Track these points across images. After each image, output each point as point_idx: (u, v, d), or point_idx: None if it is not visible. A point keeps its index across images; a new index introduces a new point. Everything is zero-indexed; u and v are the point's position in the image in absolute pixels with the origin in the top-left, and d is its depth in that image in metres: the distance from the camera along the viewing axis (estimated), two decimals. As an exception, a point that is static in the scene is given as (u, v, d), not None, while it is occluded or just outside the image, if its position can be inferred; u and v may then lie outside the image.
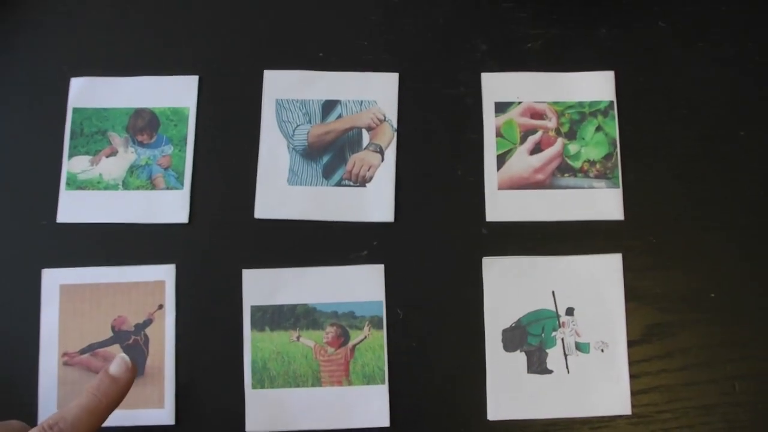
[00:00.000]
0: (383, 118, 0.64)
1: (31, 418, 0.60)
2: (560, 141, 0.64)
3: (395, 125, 0.64)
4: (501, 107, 0.64)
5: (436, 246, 0.62)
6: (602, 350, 0.61)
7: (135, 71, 0.66)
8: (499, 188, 0.63)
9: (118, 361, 0.50)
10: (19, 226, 0.63)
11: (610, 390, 0.60)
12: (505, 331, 0.61)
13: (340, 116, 0.64)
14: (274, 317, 0.61)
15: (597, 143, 0.63)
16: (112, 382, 0.49)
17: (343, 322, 0.61)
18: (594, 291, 0.61)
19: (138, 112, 0.65)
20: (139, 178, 0.64)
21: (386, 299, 0.61)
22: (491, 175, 0.63)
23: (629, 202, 0.63)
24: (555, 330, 0.61)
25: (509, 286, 0.61)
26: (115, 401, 0.49)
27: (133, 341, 0.61)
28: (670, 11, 0.66)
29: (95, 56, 0.66)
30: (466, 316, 0.61)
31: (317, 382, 0.60)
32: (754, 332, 0.61)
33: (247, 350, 0.61)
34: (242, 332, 0.61)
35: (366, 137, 0.64)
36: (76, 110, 0.65)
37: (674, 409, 0.60)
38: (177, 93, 0.65)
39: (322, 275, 0.62)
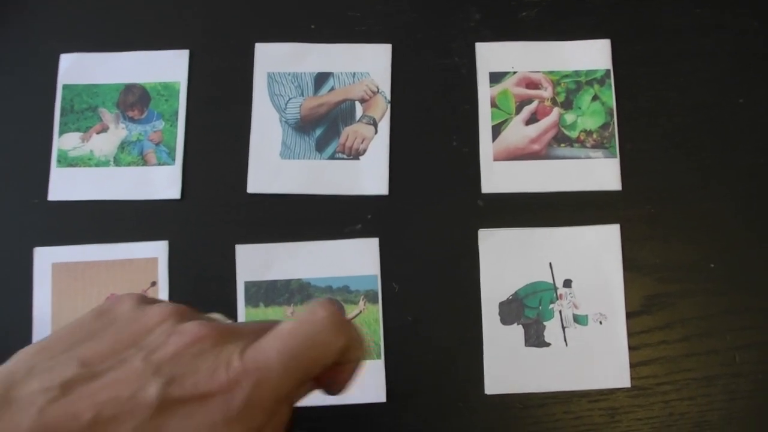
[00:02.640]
0: (376, 89, 0.62)
1: (24, 397, 0.58)
2: (556, 111, 0.61)
3: (388, 97, 0.62)
4: (496, 77, 0.62)
5: (432, 219, 0.60)
6: (601, 322, 0.58)
7: (125, 46, 0.63)
8: (495, 159, 0.60)
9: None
10: (10, 204, 0.61)
11: (609, 362, 0.58)
12: (502, 304, 0.58)
13: (332, 89, 0.62)
14: (269, 293, 0.59)
15: (593, 113, 0.61)
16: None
17: (338, 296, 0.59)
18: (592, 262, 0.59)
19: (128, 88, 0.62)
20: (130, 154, 0.61)
21: (381, 273, 0.59)
22: (486, 146, 0.61)
23: (627, 171, 0.60)
24: (552, 302, 0.59)
25: (506, 259, 0.59)
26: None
27: (127, 319, 0.59)
28: (667, -22, 0.64)
29: (84, 32, 0.64)
30: (462, 289, 0.59)
31: (312, 357, 0.58)
32: (754, 302, 0.59)
33: (241, 326, 0.59)
34: (236, 308, 0.59)
35: (359, 109, 0.62)
36: (66, 87, 0.62)
37: (674, 381, 0.58)
38: (167, 68, 0.63)
39: (317, 250, 0.59)
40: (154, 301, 0.35)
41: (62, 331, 0.33)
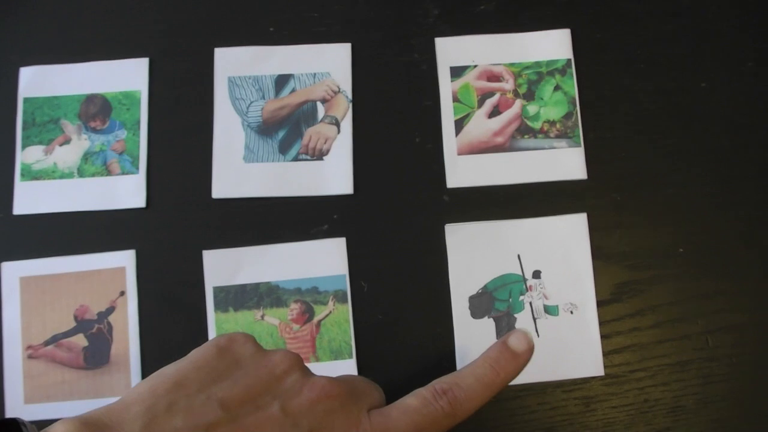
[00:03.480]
0: (337, 89, 0.61)
1: (-4, 413, 0.58)
2: (518, 102, 0.61)
3: (350, 96, 0.61)
4: (456, 71, 0.61)
5: (398, 216, 0.59)
6: (571, 312, 0.58)
7: (84, 57, 0.63)
8: (459, 154, 0.60)
9: (520, 335, 0.43)
10: (-25, 220, 0.60)
11: (581, 352, 0.57)
12: (471, 298, 0.58)
13: (293, 90, 0.61)
14: (238, 297, 0.58)
15: (556, 102, 0.60)
16: (513, 357, 0.42)
17: (307, 298, 0.58)
18: (560, 252, 0.58)
19: (89, 99, 0.62)
20: (93, 164, 0.61)
21: (350, 272, 0.59)
22: (450, 141, 0.60)
23: (591, 160, 0.60)
24: (522, 294, 0.58)
25: (473, 252, 0.58)
26: (510, 377, 0.42)
27: (97, 330, 0.59)
28: (625, -35, 0.63)
29: (44, 44, 0.63)
30: (431, 285, 0.58)
31: (284, 360, 0.58)
32: (725, 285, 0.58)
33: (212, 332, 0.58)
34: (206, 314, 0.58)
35: (321, 110, 0.61)
36: (26, 100, 0.62)
37: (648, 368, 0.57)
38: (128, 76, 0.62)
39: (284, 252, 0.59)
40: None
41: (188, 366, 0.34)
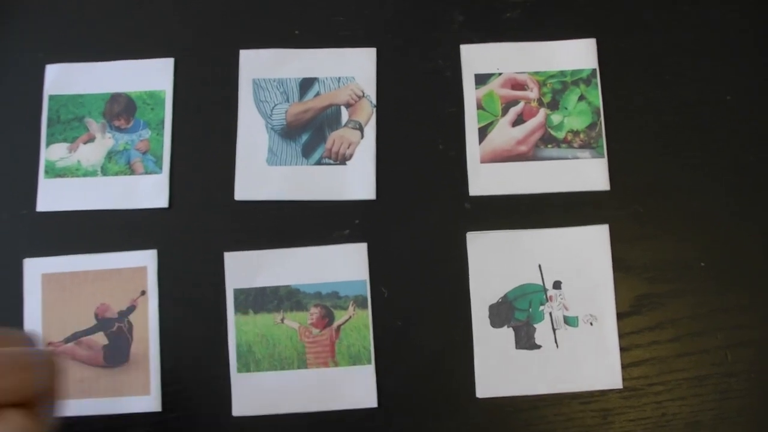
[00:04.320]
0: (362, 94, 0.61)
1: (15, 408, 0.58)
2: (543, 111, 0.60)
3: (374, 101, 0.61)
4: (481, 79, 0.61)
5: (419, 222, 0.59)
6: (591, 323, 0.57)
7: (110, 56, 0.62)
8: (482, 161, 0.59)
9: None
10: (-2, 216, 0.60)
11: (600, 364, 0.57)
12: (491, 307, 0.58)
13: (318, 94, 0.61)
14: (258, 300, 0.58)
15: (580, 113, 0.60)
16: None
17: (327, 302, 0.58)
18: (581, 263, 0.58)
19: (114, 97, 0.62)
20: (117, 163, 0.61)
21: (370, 278, 0.58)
22: (473, 149, 0.60)
23: (614, 171, 0.59)
24: (542, 304, 0.58)
25: (494, 261, 0.58)
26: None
27: (117, 328, 0.59)
28: (652, -25, 0.63)
29: (70, 42, 0.63)
30: (451, 292, 0.58)
31: (303, 364, 0.58)
32: (745, 300, 0.58)
33: (231, 334, 0.58)
34: (226, 316, 0.58)
35: (345, 114, 0.61)
36: (52, 97, 0.62)
37: (666, 381, 0.57)
38: (153, 76, 0.62)
39: (305, 256, 0.59)
40: None
41: None
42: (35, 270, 0.59)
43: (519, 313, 0.58)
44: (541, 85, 0.60)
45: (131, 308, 0.59)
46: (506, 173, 0.59)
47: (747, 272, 0.58)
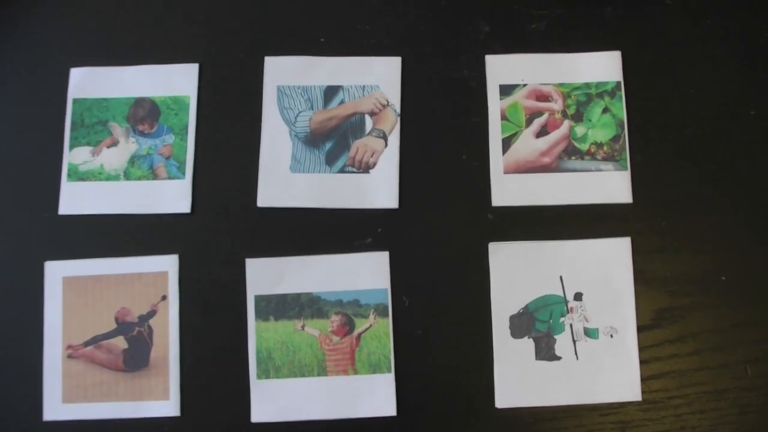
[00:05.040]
0: (386, 102, 0.61)
1: (36, 411, 0.57)
2: (567, 123, 0.60)
3: (398, 110, 0.60)
4: (505, 90, 0.61)
5: (442, 232, 0.59)
6: (611, 335, 0.57)
7: (134, 60, 0.62)
8: (505, 172, 0.59)
9: None
10: (20, 219, 0.60)
11: (620, 376, 0.57)
12: (512, 318, 0.57)
13: (342, 102, 0.61)
14: (279, 306, 0.58)
15: (604, 125, 0.60)
16: None
17: (348, 310, 0.58)
18: (602, 275, 0.58)
19: (138, 102, 0.62)
20: (140, 168, 0.61)
21: (391, 287, 0.58)
22: (497, 159, 0.59)
23: (637, 184, 0.59)
24: (563, 315, 0.57)
25: (516, 272, 0.58)
26: None
27: (137, 333, 0.58)
28: (677, -11, 0.63)
29: (94, 46, 0.63)
30: (472, 302, 0.58)
31: (323, 371, 0.57)
32: (765, 315, 0.58)
33: (251, 340, 0.58)
34: (246, 322, 0.58)
35: (369, 123, 0.61)
36: (76, 101, 0.62)
37: (686, 395, 0.57)
38: (177, 81, 0.62)
39: (327, 263, 0.58)
40: None
41: None
42: (56, 273, 0.59)
43: (540, 324, 0.57)
44: (566, 96, 0.60)
45: (151, 313, 0.59)
46: (529, 184, 0.59)
47: (768, 287, 0.58)
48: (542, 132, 0.60)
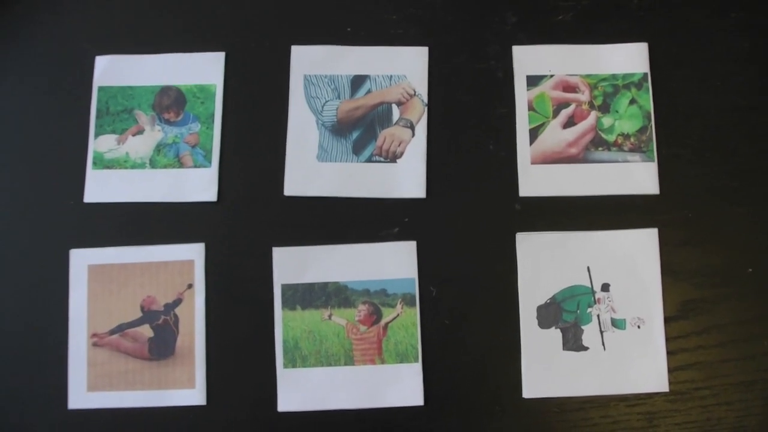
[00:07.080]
0: (413, 92, 0.60)
1: (61, 399, 0.57)
2: (594, 114, 0.60)
3: (425, 100, 0.60)
4: (533, 80, 0.60)
5: (469, 222, 0.58)
6: (638, 326, 0.57)
7: (160, 48, 0.62)
8: (532, 163, 0.59)
9: None
10: (46, 206, 0.59)
11: (647, 367, 0.56)
12: (539, 308, 0.57)
13: (369, 91, 0.60)
14: (305, 295, 0.58)
15: (631, 116, 0.59)
16: None
17: (375, 299, 0.58)
18: (629, 266, 0.57)
19: (164, 90, 0.61)
20: (166, 156, 0.60)
21: (419, 276, 0.58)
22: (524, 150, 0.59)
23: (664, 175, 0.59)
24: (590, 306, 0.57)
25: (543, 262, 0.57)
26: None
27: (163, 321, 0.58)
28: (703, -19, 0.62)
29: (119, 34, 0.62)
30: (499, 292, 0.58)
31: (350, 360, 0.57)
32: (792, 307, 0.57)
33: (278, 329, 0.57)
34: (273, 311, 0.58)
35: (396, 112, 0.60)
36: (101, 89, 0.61)
37: (712, 386, 0.56)
38: (203, 70, 0.61)
39: (354, 252, 0.58)
40: None
41: None
42: (81, 261, 0.59)
43: (567, 314, 0.57)
44: (593, 87, 0.60)
45: (177, 301, 0.58)
46: (556, 175, 0.59)
47: (793, 279, 0.58)
48: (569, 123, 0.60)
